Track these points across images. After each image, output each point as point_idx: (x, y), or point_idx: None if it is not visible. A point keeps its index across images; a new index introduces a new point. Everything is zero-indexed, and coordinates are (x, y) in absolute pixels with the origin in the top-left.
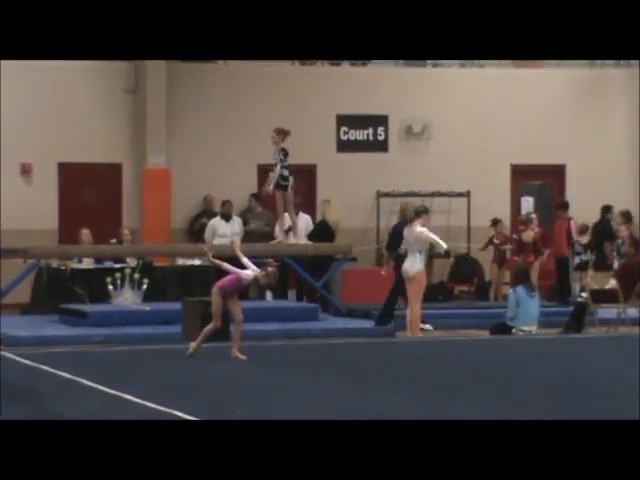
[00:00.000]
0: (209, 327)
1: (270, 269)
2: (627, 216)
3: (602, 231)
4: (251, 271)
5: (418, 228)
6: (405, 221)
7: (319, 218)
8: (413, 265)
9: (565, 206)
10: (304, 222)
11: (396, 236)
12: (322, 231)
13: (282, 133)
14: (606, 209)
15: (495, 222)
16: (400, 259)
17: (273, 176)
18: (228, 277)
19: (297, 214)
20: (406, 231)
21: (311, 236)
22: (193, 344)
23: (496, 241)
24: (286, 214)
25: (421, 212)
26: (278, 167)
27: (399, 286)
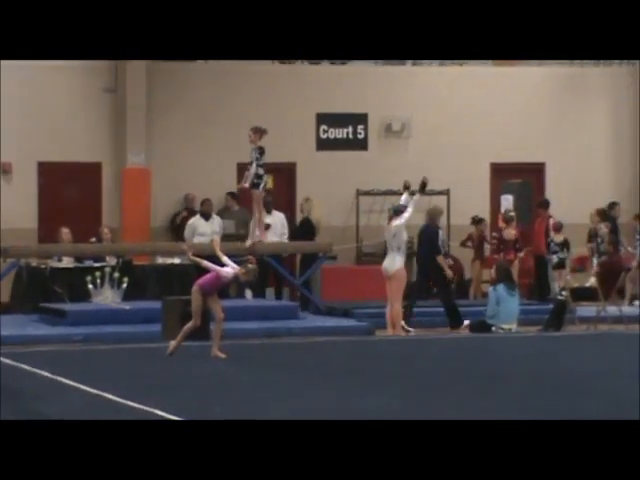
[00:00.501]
0: (189, 325)
1: (250, 266)
2: (603, 214)
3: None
4: (231, 269)
5: (394, 224)
6: (430, 225)
7: (301, 216)
8: (393, 263)
9: (545, 205)
10: (279, 220)
11: (424, 240)
12: (306, 229)
13: (259, 132)
14: (611, 206)
15: (478, 221)
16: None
17: (248, 174)
18: (208, 275)
19: (270, 212)
20: (385, 230)
21: (294, 234)
22: (173, 343)
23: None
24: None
25: (400, 211)
26: (254, 165)
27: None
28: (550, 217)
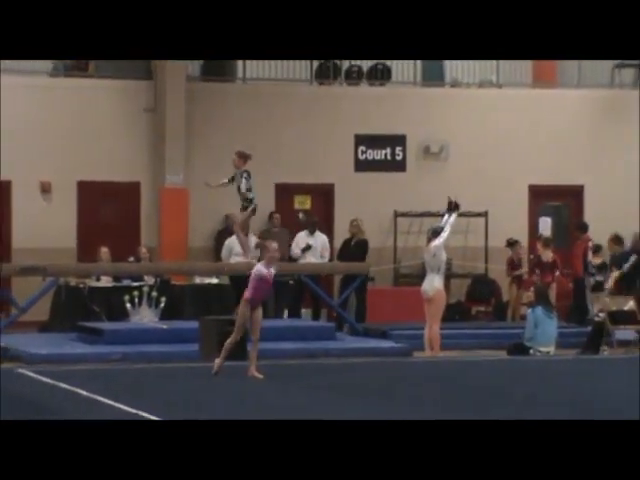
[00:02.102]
0: (229, 341)
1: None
2: (618, 240)
3: None
4: (249, 258)
5: (432, 245)
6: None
7: (348, 237)
8: (432, 284)
9: (584, 228)
10: (321, 242)
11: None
12: (362, 249)
13: (243, 156)
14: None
15: (512, 243)
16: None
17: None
18: (251, 285)
19: (313, 233)
20: (424, 251)
21: (349, 254)
22: (217, 361)
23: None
24: (249, 236)
25: (439, 232)
26: (243, 189)
27: None
28: (589, 240)
